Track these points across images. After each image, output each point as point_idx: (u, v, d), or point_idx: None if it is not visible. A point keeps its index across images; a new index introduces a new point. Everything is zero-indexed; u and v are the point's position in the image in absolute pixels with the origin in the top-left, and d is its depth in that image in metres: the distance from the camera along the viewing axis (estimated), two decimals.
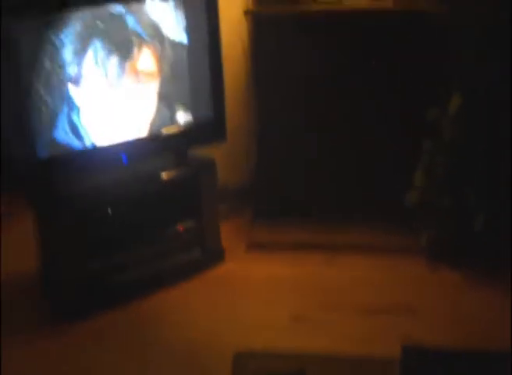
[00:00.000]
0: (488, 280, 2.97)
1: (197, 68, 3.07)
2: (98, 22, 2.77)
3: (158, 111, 3.02)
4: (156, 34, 2.94)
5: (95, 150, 2.89)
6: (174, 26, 2.97)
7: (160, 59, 2.98)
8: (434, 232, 3.11)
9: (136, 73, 2.93)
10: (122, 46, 2.86)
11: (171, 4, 2.95)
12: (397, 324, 2.72)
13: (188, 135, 3.11)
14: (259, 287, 3.03)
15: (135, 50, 2.90)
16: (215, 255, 3.20)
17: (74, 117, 2.79)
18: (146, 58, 2.94)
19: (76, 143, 2.82)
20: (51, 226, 2.80)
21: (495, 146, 3.00)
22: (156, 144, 3.05)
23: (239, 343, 2.57)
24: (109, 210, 2.92)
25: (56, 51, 2.68)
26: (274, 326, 2.75)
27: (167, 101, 3.04)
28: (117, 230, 2.96)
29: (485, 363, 1.97)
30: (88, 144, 2.86)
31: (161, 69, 2.99)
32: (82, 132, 2.82)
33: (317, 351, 2.53)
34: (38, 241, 2.94)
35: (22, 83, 2.63)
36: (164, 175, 3.01)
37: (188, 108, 3.09)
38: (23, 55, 2.62)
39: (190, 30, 3.00)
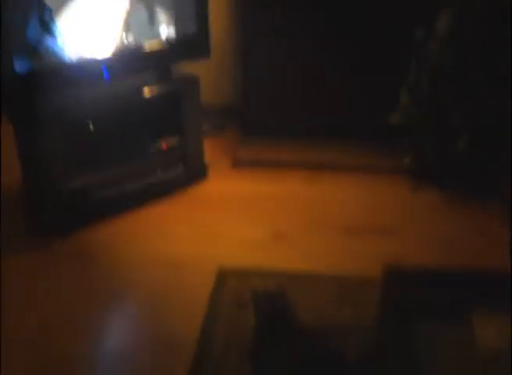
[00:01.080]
0: (471, 201, 2.98)
1: None
2: None
3: (137, 12, 2.92)
4: None
5: (74, 63, 2.81)
6: None
7: None
8: (417, 152, 3.10)
9: None
10: None
11: None
12: (379, 244, 2.74)
13: (171, 50, 3.04)
14: (242, 205, 3.04)
15: None
16: (198, 173, 3.20)
17: (47, 18, 2.68)
18: None
19: (53, 54, 2.74)
20: (30, 142, 2.76)
21: (482, 65, 2.95)
22: (138, 59, 2.99)
23: (220, 260, 2.61)
24: (91, 126, 2.88)
25: None
26: (255, 243, 2.76)
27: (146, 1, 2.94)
28: (99, 147, 2.92)
29: (465, 281, 1.99)
30: (66, 55, 2.78)
31: None
32: (57, 37, 2.73)
33: (297, 269, 2.56)
34: (19, 157, 2.92)
35: None
36: (147, 91, 2.96)
37: (170, 16, 3.00)
38: None
39: None
